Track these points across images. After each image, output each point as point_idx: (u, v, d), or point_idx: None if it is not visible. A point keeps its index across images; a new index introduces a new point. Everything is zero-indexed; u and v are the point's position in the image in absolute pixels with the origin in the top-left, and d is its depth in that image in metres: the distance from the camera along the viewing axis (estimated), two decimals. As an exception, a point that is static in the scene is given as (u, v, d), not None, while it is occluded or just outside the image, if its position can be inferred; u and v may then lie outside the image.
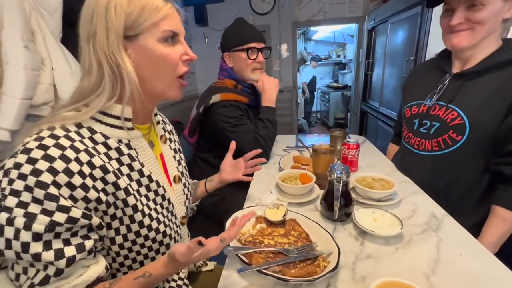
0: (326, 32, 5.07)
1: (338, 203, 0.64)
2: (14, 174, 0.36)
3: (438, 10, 1.39)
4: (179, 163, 0.65)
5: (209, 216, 1.14)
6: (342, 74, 5.29)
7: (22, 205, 0.36)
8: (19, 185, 0.36)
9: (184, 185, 0.65)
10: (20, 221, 0.35)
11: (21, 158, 0.37)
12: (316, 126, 5.11)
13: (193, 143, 1.24)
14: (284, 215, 0.65)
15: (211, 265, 0.78)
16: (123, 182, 0.45)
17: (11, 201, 0.36)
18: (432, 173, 0.85)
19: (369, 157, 1.11)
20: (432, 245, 0.58)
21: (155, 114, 0.62)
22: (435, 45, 1.47)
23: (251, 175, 0.84)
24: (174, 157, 0.64)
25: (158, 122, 0.62)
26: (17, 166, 0.36)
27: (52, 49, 1.15)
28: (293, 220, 0.65)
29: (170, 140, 0.65)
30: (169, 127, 0.70)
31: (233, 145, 0.81)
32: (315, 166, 0.90)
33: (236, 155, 0.83)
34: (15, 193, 0.36)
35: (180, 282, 0.61)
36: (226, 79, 1.18)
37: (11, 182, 0.36)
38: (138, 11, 0.44)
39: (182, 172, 0.65)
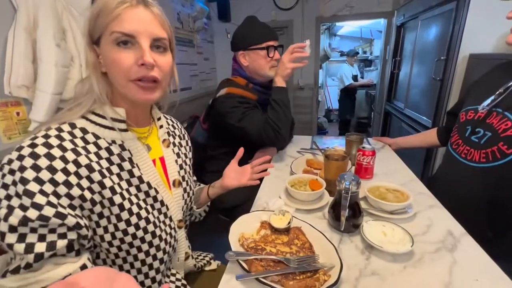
0: (352, 27, 4.85)
1: (345, 214, 0.62)
2: (6, 169, 0.40)
3: (474, 6, 1.28)
4: (181, 168, 0.65)
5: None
6: (368, 71, 5.05)
7: (8, 198, 0.39)
8: (8, 179, 0.40)
9: (184, 189, 0.65)
10: (2, 212, 0.39)
11: (14, 155, 0.40)
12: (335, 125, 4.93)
13: (207, 129, 1.28)
14: (289, 223, 0.64)
15: (214, 264, 0.79)
16: (109, 181, 0.46)
17: (1, 193, 0.40)
18: (477, 187, 0.78)
19: (387, 163, 1.06)
20: (445, 267, 0.54)
21: (159, 118, 0.63)
22: (469, 45, 1.35)
23: (260, 179, 0.81)
24: (177, 161, 0.64)
25: (161, 126, 0.63)
26: (10, 162, 0.40)
27: (82, 47, 1.22)
28: (298, 228, 0.65)
29: (174, 145, 0.65)
30: (178, 131, 0.70)
31: (240, 152, 0.78)
32: (326, 172, 0.87)
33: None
34: (5, 186, 0.40)
35: (178, 284, 0.63)
36: (238, 76, 1.20)
37: (3, 176, 0.40)
38: (96, 15, 0.46)
39: (183, 177, 0.65)
